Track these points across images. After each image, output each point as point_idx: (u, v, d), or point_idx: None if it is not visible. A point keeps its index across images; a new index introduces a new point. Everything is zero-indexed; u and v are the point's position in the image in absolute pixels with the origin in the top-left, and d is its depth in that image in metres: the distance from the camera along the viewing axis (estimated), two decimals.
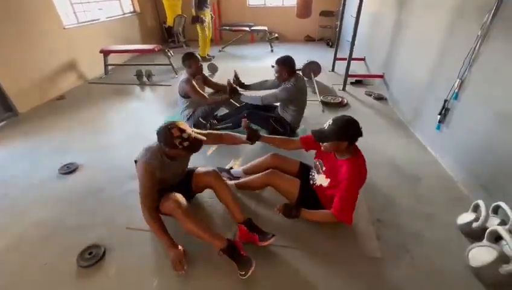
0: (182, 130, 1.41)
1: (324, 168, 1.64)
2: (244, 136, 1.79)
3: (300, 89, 2.44)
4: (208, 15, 5.10)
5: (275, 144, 1.85)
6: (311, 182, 1.76)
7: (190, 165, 1.83)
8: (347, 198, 1.47)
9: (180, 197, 1.52)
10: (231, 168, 2.08)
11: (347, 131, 1.43)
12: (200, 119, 2.69)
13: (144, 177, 1.44)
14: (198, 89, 2.61)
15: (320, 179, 1.65)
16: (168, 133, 1.39)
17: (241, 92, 2.65)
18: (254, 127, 2.67)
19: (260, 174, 1.79)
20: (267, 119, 2.60)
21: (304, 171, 1.85)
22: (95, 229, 1.73)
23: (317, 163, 1.71)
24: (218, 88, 2.91)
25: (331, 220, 1.53)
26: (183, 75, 2.66)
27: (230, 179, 2.00)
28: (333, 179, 1.55)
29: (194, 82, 2.60)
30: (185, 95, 2.67)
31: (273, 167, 1.84)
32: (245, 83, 2.78)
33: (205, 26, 5.06)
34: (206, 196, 1.95)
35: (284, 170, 1.82)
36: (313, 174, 1.78)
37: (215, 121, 2.72)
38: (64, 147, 2.64)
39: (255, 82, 2.78)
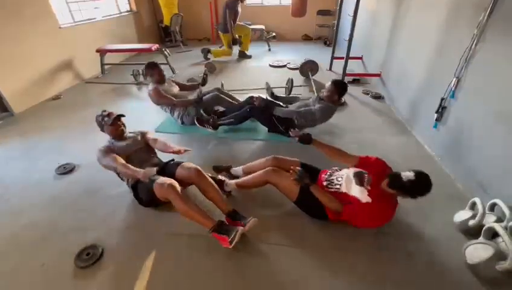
0: (104, 111, 1.89)
1: (369, 187, 1.56)
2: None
3: (332, 114, 2.55)
4: (241, 30, 5.27)
5: (327, 153, 1.79)
6: (330, 184, 1.70)
7: (188, 160, 1.89)
8: (362, 215, 1.54)
9: (174, 182, 1.62)
10: (230, 166, 2.08)
11: (423, 192, 1.40)
12: (203, 114, 2.73)
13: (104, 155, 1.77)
14: (164, 93, 2.76)
15: (360, 191, 1.56)
16: (96, 118, 1.90)
17: (275, 104, 2.67)
18: (252, 122, 2.71)
19: (260, 172, 1.79)
20: (269, 117, 2.60)
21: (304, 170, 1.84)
22: (93, 230, 1.72)
23: (366, 176, 1.59)
24: (187, 88, 3.11)
25: (334, 209, 1.58)
26: (149, 85, 2.81)
27: (230, 178, 2.00)
28: (373, 202, 1.53)
29: (160, 89, 2.76)
30: (158, 103, 2.83)
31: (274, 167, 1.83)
32: (275, 94, 2.92)
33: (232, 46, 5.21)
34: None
35: (284, 170, 1.80)
36: (340, 178, 1.69)
37: (215, 116, 2.73)
38: (61, 147, 2.63)
39: (285, 95, 2.93)
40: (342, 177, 1.69)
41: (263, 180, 1.78)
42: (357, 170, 1.65)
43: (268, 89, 2.90)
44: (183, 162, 1.85)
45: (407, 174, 1.41)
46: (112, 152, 1.78)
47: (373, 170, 1.61)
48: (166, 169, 1.86)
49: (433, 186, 1.40)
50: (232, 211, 1.67)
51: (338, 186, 1.66)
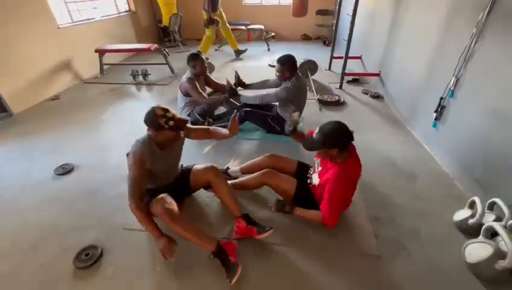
0: (165, 110, 1.45)
1: (320, 168, 1.65)
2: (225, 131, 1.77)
3: (301, 88, 2.43)
4: (220, 15, 5.08)
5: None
6: (308, 181, 1.76)
7: (188, 163, 1.84)
8: (330, 201, 1.47)
9: (169, 200, 1.48)
10: (228, 168, 2.08)
11: (335, 139, 1.41)
12: (198, 116, 2.71)
13: (133, 166, 1.42)
14: (199, 88, 2.67)
15: (315, 178, 1.66)
16: (152, 114, 1.43)
17: (240, 92, 2.64)
18: (250, 124, 2.70)
19: (256, 173, 1.79)
20: (264, 118, 2.61)
21: (301, 171, 1.85)
22: (92, 230, 1.72)
23: (316, 162, 1.72)
24: (218, 88, 2.97)
25: (318, 221, 1.55)
26: (187, 73, 2.72)
27: (228, 179, 1.99)
28: (323, 180, 1.56)
29: (196, 82, 2.66)
30: (186, 94, 2.73)
31: (271, 166, 1.84)
32: (246, 83, 2.78)
33: (216, 28, 5.05)
34: (203, 195, 1.94)
35: (281, 170, 1.82)
36: (311, 172, 1.78)
37: (211, 120, 2.73)
38: (60, 147, 2.62)
39: (256, 82, 2.78)
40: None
41: (260, 182, 1.78)
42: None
43: (236, 77, 2.77)
44: (195, 165, 1.80)
45: (315, 131, 1.47)
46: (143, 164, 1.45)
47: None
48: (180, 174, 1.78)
49: (431, 185, 1.40)
50: (246, 214, 1.63)
51: (311, 181, 1.72)
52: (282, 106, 2.53)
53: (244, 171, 1.98)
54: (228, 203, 1.66)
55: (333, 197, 1.47)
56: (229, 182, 1.89)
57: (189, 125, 1.68)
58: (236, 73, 2.78)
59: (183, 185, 1.76)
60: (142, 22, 6.42)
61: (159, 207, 1.42)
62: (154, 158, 1.49)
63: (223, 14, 5.15)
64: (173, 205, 1.48)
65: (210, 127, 1.82)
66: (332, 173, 1.47)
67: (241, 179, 1.90)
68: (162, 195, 1.50)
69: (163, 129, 1.43)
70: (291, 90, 2.37)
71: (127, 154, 1.51)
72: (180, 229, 1.42)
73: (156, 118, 1.42)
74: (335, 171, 1.46)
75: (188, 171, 1.77)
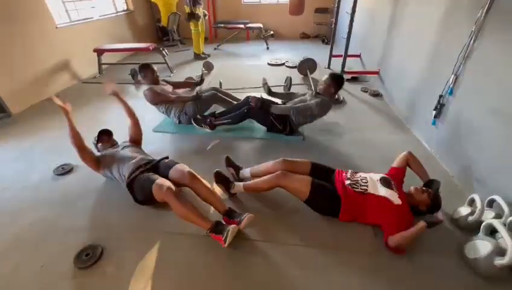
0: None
1: (398, 191, 1.64)
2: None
3: (329, 108, 2.55)
4: (201, 12, 5.07)
5: None
6: (352, 182, 1.71)
7: (187, 162, 1.88)
8: (391, 219, 1.56)
9: (169, 183, 1.64)
10: (241, 167, 2.05)
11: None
12: (198, 116, 2.72)
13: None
14: (160, 91, 2.75)
15: (390, 193, 1.61)
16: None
17: (272, 102, 2.67)
18: (250, 122, 2.71)
19: (270, 176, 1.74)
20: (267, 116, 2.60)
21: (315, 171, 1.83)
22: (92, 230, 1.72)
23: (393, 182, 1.69)
24: (182, 85, 3.15)
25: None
26: (144, 87, 2.81)
27: (236, 180, 1.98)
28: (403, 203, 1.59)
29: (155, 88, 2.74)
30: (156, 103, 2.81)
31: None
32: (273, 91, 2.90)
33: (199, 23, 5.04)
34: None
35: (295, 173, 1.77)
36: (365, 180, 1.71)
37: (213, 118, 2.73)
38: (59, 147, 2.61)
39: (281, 92, 2.95)
40: (366, 179, 1.71)
41: (274, 184, 1.74)
42: (381, 175, 1.73)
43: (265, 84, 2.87)
44: (176, 164, 1.84)
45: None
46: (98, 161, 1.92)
47: (396, 177, 1.74)
48: (160, 169, 1.86)
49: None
50: (228, 209, 1.68)
51: (365, 187, 1.66)
52: (302, 113, 2.52)
53: (254, 175, 1.95)
54: (211, 202, 1.73)
55: (401, 219, 1.55)
56: (240, 183, 1.87)
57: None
58: (264, 80, 2.89)
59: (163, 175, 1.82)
60: (141, 21, 6.40)
61: (164, 188, 1.57)
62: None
63: (203, 13, 5.19)
64: (172, 186, 1.62)
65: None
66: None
67: (253, 181, 1.85)
68: (159, 180, 1.65)
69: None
70: (326, 109, 2.50)
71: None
72: (185, 210, 1.55)
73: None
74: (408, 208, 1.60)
75: (168, 167, 1.83)
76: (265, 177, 1.78)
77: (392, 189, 1.63)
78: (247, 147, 2.56)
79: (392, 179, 1.71)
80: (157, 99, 2.76)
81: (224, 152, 2.45)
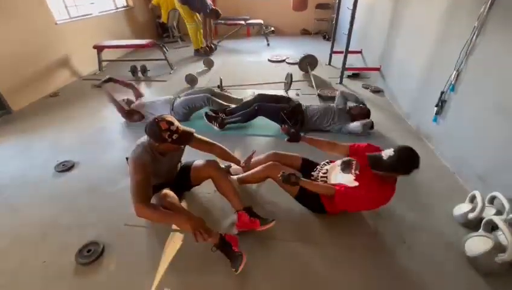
0: (170, 123, 1.38)
1: (357, 172, 1.55)
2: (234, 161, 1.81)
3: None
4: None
5: (317, 146, 1.78)
6: (315, 173, 1.74)
7: (191, 158, 1.84)
8: (351, 196, 1.49)
9: (171, 194, 1.53)
10: (230, 166, 2.07)
11: (408, 166, 1.33)
12: (208, 112, 2.74)
13: (135, 171, 1.37)
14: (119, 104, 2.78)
15: (346, 178, 1.56)
16: (156, 127, 1.35)
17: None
18: (262, 119, 2.69)
19: (261, 166, 1.77)
20: (277, 112, 2.58)
21: (306, 167, 1.84)
22: (94, 227, 1.72)
23: (354, 162, 1.60)
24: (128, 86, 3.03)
25: (330, 194, 1.54)
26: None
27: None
28: (363, 185, 1.50)
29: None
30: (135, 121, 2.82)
31: None
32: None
33: (195, 14, 5.04)
34: (205, 191, 1.95)
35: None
36: (325, 168, 1.73)
37: (223, 115, 2.71)
38: (60, 144, 2.62)
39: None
40: (325, 170, 1.72)
41: (264, 175, 1.77)
42: (345, 158, 1.67)
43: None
44: (195, 161, 1.79)
45: (387, 152, 1.38)
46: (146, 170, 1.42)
47: (364, 157, 1.57)
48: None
49: (431, 179, 1.40)
50: (248, 207, 1.62)
51: (325, 179, 1.68)
52: (332, 119, 2.63)
53: (246, 170, 1.96)
54: (230, 196, 1.65)
55: (355, 198, 1.48)
56: (235, 176, 1.88)
57: (196, 135, 1.60)
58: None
59: (183, 181, 1.76)
60: (140, 18, 6.36)
61: (163, 202, 1.47)
62: (155, 164, 1.47)
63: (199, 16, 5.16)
64: (175, 199, 1.52)
65: (217, 144, 1.76)
66: (372, 185, 1.45)
67: (245, 173, 1.87)
68: (164, 191, 1.53)
69: (166, 142, 1.38)
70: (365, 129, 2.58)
71: (127, 159, 1.48)
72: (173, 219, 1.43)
73: (160, 132, 1.35)
74: (375, 186, 1.45)
75: (187, 167, 1.77)
76: (256, 169, 1.80)
77: (350, 172, 1.57)
78: (255, 144, 2.55)
79: (354, 158, 1.63)
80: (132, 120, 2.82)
81: (232, 151, 2.44)
